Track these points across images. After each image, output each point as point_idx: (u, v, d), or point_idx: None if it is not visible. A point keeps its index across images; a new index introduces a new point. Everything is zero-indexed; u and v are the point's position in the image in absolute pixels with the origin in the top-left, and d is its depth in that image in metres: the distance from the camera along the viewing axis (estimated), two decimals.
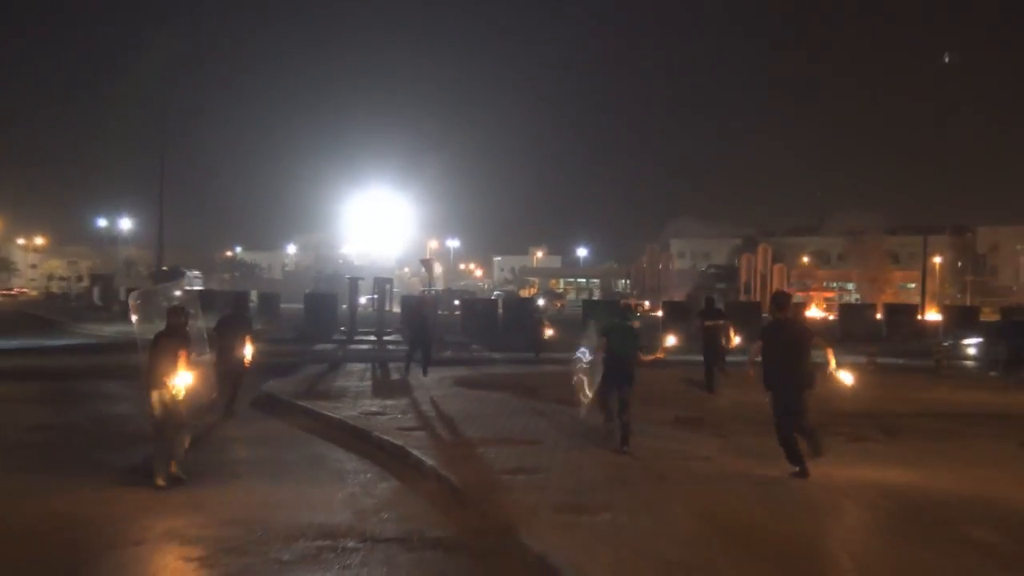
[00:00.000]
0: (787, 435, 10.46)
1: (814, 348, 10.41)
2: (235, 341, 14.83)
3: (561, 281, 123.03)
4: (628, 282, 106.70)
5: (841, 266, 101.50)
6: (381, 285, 41.41)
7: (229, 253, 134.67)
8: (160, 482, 10.26)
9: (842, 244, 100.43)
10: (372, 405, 16.34)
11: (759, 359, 10.54)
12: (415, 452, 11.87)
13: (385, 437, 13.03)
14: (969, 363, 28.15)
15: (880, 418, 15.55)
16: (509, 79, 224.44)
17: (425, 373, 20.77)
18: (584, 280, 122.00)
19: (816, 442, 10.59)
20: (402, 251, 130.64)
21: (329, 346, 33.20)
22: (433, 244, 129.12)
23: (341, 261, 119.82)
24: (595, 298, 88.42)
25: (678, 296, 66.97)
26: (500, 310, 42.05)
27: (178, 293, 13.67)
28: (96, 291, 60.22)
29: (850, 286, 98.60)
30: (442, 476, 10.61)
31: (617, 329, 12.24)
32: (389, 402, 16.80)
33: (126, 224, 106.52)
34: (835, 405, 15.73)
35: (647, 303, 66.87)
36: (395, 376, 21.85)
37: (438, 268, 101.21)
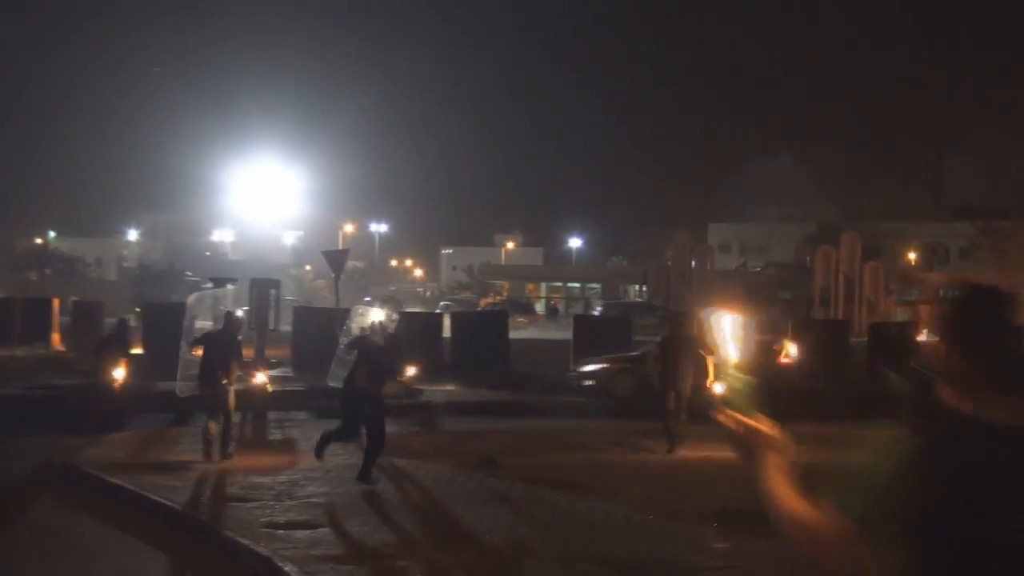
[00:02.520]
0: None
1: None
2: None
3: (543, 285, 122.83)
4: (643, 287, 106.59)
5: (967, 266, 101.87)
6: (261, 291, 40.49)
7: (39, 241, 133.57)
8: None
9: (968, 233, 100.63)
10: (233, 485, 15.88)
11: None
12: (288, 570, 11.15)
13: (242, 541, 12.34)
14: None
15: None
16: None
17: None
18: (578, 284, 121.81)
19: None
20: (303, 240, 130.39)
21: (181, 384, 32.68)
22: (349, 228, 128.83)
23: (208, 253, 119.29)
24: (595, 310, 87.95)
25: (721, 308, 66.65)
26: (449, 333, 41.28)
27: None
28: None
29: None
30: None
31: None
32: (260, 479, 16.30)
33: None
34: None
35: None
36: (275, 435, 21.83)
37: (355, 264, 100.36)
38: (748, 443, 3.72)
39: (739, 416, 3.80)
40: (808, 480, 3.62)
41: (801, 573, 3.55)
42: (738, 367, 4.45)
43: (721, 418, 3.83)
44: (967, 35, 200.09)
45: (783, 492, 3.55)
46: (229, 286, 43.67)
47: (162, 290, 64.98)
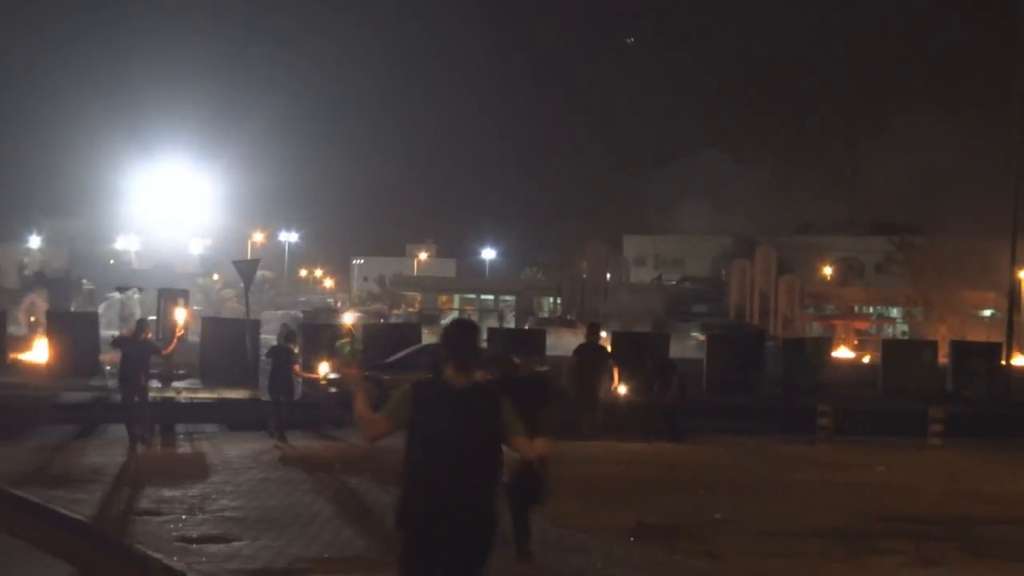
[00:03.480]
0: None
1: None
2: None
3: (457, 297, 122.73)
4: (558, 300, 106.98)
5: (882, 282, 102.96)
6: (168, 300, 40.46)
7: None
8: None
9: (884, 248, 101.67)
10: (143, 498, 15.77)
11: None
12: None
13: (154, 555, 12.32)
14: None
15: (953, 524, 15.51)
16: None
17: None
18: (491, 296, 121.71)
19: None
20: (211, 249, 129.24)
21: (84, 395, 32.63)
22: (259, 237, 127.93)
23: (112, 261, 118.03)
24: (502, 323, 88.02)
25: (635, 323, 67.07)
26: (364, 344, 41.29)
27: None
28: None
29: (894, 312, 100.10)
30: None
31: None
32: (170, 492, 16.20)
33: None
34: (888, 505, 15.73)
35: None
36: (184, 448, 21.58)
37: (264, 273, 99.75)
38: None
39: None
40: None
41: None
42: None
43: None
44: (888, 38, 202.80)
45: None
46: (135, 294, 43.77)
47: (58, 299, 64.14)
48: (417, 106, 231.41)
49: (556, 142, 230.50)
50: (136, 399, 21.03)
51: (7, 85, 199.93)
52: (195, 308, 51.49)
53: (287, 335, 24.98)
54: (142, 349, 21.31)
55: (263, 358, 27.10)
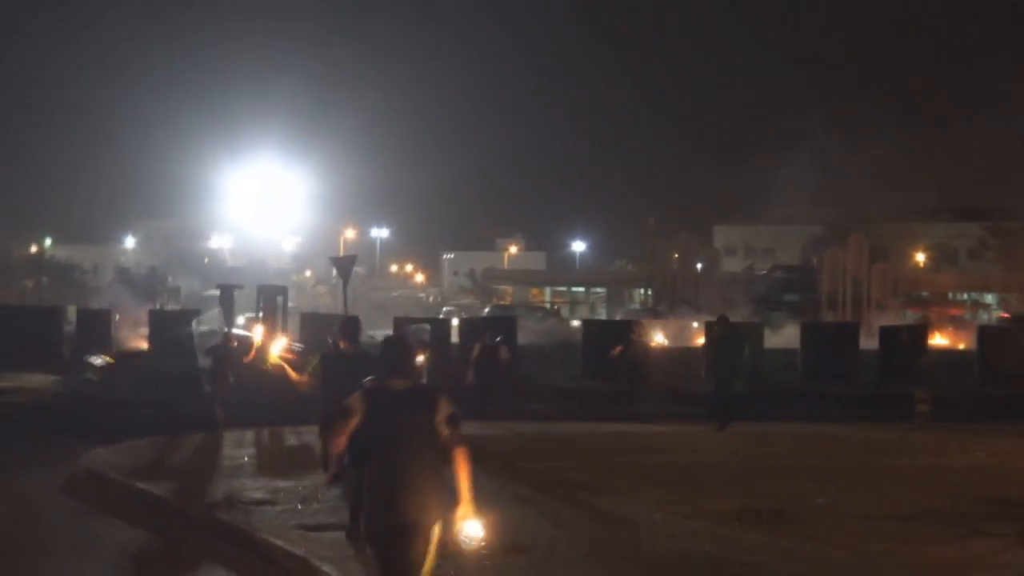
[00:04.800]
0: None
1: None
2: None
3: (547, 290, 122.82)
4: (649, 292, 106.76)
5: (975, 268, 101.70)
6: (268, 297, 40.91)
7: (34, 248, 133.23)
8: None
9: (976, 234, 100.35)
10: (257, 488, 16.19)
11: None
12: (327, 570, 11.53)
13: (276, 542, 12.73)
14: None
15: None
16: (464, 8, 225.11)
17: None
18: (582, 289, 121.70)
19: None
20: (302, 246, 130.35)
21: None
22: (350, 234, 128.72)
23: (206, 259, 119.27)
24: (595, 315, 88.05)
25: (728, 313, 66.82)
26: (458, 338, 41.40)
27: None
28: None
29: (989, 299, 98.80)
30: None
31: None
32: (284, 483, 16.61)
33: None
34: (990, 489, 15.90)
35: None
36: (292, 441, 21.91)
37: (356, 269, 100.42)
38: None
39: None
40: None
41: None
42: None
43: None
44: (978, 27, 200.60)
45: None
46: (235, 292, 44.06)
47: (141, 297, 64.82)
48: (506, 100, 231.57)
49: (645, 133, 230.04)
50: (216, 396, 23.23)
51: (101, 88, 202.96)
52: (291, 305, 51.96)
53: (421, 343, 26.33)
54: (226, 355, 23.70)
55: None
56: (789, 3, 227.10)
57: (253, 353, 23.73)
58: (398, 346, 8.89)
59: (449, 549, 9.14)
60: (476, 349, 27.84)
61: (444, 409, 8.56)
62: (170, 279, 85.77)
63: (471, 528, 8.49)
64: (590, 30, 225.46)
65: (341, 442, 8.82)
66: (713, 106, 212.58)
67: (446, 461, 8.52)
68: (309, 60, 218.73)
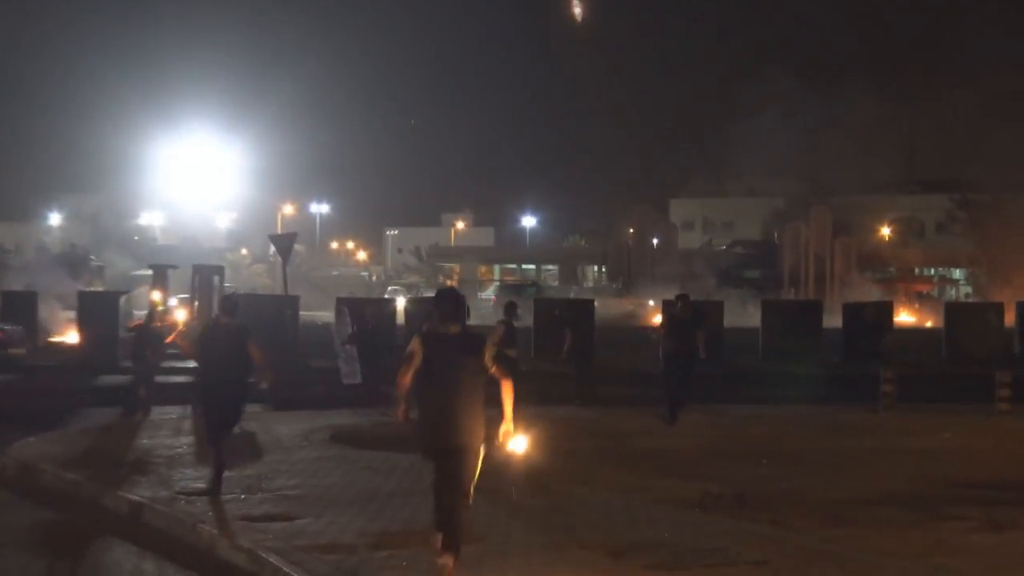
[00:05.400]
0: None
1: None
2: None
3: (496, 268, 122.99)
4: (603, 269, 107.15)
5: (942, 242, 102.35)
6: (205, 277, 40.88)
7: None
8: None
9: (944, 207, 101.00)
10: (196, 479, 16.21)
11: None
12: (274, 561, 11.64)
13: (219, 533, 12.88)
14: None
15: (1023, 490, 15.94)
16: None
17: None
18: (533, 266, 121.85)
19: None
20: (238, 222, 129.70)
21: (120, 378, 32.92)
22: (288, 210, 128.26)
23: (136, 237, 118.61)
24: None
25: (683, 291, 67.13)
26: (407, 320, 41.29)
27: None
28: None
29: (957, 274, 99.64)
30: None
31: None
32: (225, 472, 16.48)
33: None
34: (956, 472, 16.24)
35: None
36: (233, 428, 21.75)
37: (295, 247, 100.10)
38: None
39: None
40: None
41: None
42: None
43: None
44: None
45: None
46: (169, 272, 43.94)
47: (64, 277, 64.30)
48: (449, 68, 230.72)
49: (597, 103, 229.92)
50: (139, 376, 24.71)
51: (21, 53, 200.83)
52: (227, 285, 51.83)
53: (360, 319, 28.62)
54: (149, 334, 24.60)
55: (342, 344, 28.52)
56: None
57: (175, 334, 25.01)
58: (450, 298, 11.07)
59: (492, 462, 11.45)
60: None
61: (489, 351, 10.96)
62: (93, 258, 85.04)
63: (514, 443, 11.29)
64: None
65: (407, 380, 10.84)
66: (670, 72, 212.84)
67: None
68: (245, 25, 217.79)
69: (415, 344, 10.83)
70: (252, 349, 15.57)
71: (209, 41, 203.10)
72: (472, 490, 10.96)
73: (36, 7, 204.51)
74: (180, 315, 31.03)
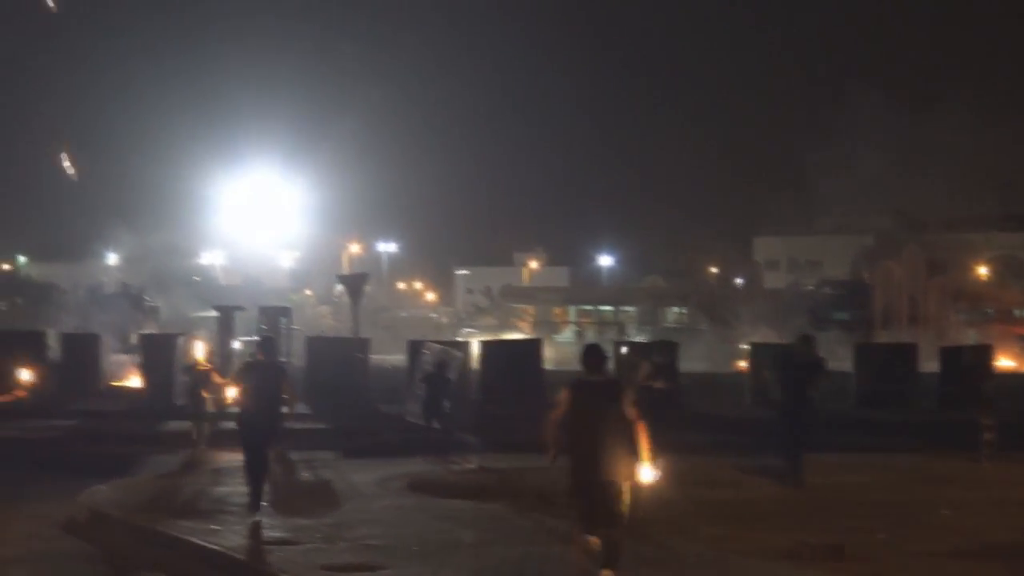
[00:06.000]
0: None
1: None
2: None
3: (572, 309, 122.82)
4: (685, 310, 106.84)
5: None
6: (272, 319, 41.34)
7: (7, 266, 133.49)
8: None
9: None
10: (275, 526, 16.51)
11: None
12: None
13: None
14: None
15: None
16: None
17: None
18: (610, 307, 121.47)
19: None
20: (301, 261, 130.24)
21: (183, 424, 33.30)
22: (355, 249, 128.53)
23: (197, 278, 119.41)
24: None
25: (772, 332, 67.04)
26: (482, 363, 41.38)
27: None
28: None
29: None
30: None
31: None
32: (304, 521, 17.01)
33: None
34: None
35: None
36: (307, 476, 22.38)
37: (365, 288, 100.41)
38: None
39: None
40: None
41: None
42: None
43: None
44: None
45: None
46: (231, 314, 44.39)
47: (116, 317, 64.83)
48: (524, 103, 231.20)
49: (676, 138, 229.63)
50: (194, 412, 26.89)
51: (80, 93, 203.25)
52: (294, 328, 52.20)
53: (441, 362, 28.89)
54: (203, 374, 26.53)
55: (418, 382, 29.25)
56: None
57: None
58: (596, 352, 13.20)
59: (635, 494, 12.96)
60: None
61: (629, 397, 12.77)
62: (147, 298, 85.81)
63: (647, 474, 12.75)
64: (612, 30, 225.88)
65: (556, 426, 12.89)
66: (751, 106, 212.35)
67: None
68: (309, 60, 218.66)
69: (565, 393, 12.93)
70: (285, 385, 18.11)
71: (271, 77, 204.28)
72: (624, 520, 12.71)
73: (94, 48, 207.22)
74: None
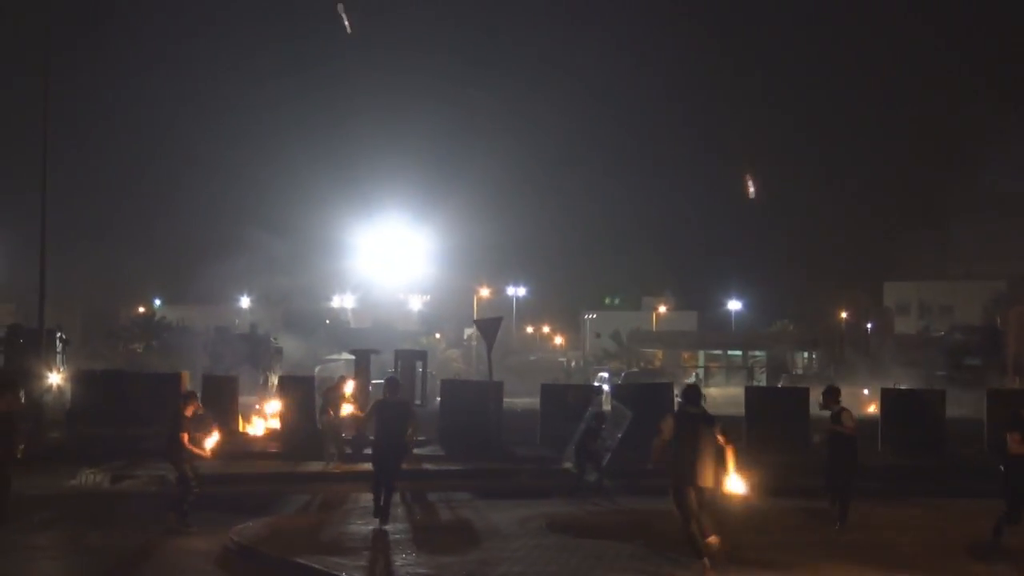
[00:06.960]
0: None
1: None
2: None
3: (701, 353, 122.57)
4: (814, 356, 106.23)
5: None
6: (408, 363, 41.70)
7: (142, 309, 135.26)
8: None
9: None
10: (419, 563, 16.93)
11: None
12: None
13: None
14: None
15: None
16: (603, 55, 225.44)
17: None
18: (739, 352, 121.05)
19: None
20: (430, 304, 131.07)
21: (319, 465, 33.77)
22: (485, 293, 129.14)
23: (328, 321, 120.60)
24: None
25: (903, 378, 66.56)
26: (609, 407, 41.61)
27: None
28: None
29: None
30: None
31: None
32: (447, 559, 17.34)
33: None
34: None
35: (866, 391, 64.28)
36: (447, 515, 22.70)
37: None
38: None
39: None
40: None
41: None
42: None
43: None
44: None
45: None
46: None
47: (243, 359, 65.44)
48: (650, 149, 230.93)
49: (802, 181, 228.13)
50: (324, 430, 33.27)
51: (215, 142, 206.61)
52: (430, 372, 52.49)
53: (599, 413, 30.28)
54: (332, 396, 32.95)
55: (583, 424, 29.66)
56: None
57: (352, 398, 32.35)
58: (695, 390, 17.50)
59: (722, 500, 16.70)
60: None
61: (718, 425, 16.62)
62: (274, 339, 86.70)
63: (735, 485, 16.42)
64: (748, 70, 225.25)
65: (659, 448, 16.53)
66: (880, 149, 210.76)
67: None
68: (438, 107, 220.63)
69: (669, 419, 16.69)
70: (411, 421, 21.16)
71: (402, 122, 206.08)
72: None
73: (229, 97, 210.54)
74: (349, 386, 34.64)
